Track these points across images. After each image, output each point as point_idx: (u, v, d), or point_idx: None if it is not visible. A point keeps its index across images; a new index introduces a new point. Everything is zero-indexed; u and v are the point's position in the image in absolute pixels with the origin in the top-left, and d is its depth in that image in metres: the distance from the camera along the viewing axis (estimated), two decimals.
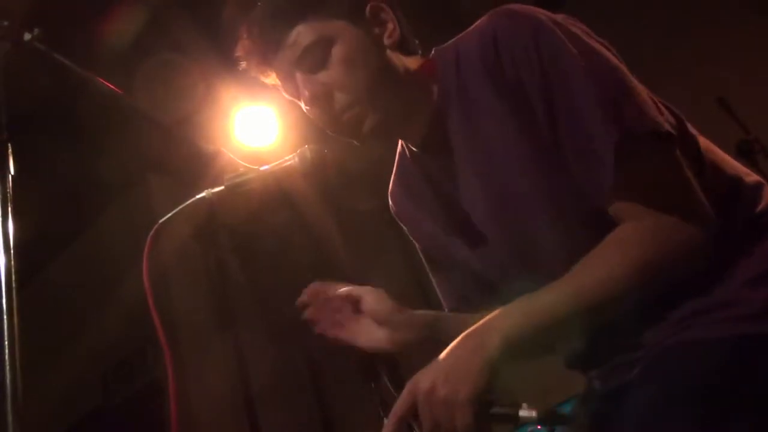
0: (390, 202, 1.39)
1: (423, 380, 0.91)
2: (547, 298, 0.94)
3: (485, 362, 0.89)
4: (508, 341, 0.91)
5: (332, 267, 4.23)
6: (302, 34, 1.11)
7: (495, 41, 1.03)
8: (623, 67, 1.03)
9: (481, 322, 0.95)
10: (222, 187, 1.35)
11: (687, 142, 1.05)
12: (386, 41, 1.14)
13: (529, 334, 0.93)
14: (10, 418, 0.96)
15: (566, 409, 2.02)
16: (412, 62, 1.17)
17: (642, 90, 1.00)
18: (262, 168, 1.36)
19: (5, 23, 1.25)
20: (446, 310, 1.36)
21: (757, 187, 1.05)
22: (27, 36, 1.28)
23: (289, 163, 1.34)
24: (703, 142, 1.10)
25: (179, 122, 3.36)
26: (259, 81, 1.27)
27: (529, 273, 1.10)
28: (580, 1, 3.81)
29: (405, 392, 0.93)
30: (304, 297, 1.30)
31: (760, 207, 1.01)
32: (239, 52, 1.18)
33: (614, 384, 1.04)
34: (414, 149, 1.24)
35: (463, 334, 0.95)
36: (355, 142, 1.16)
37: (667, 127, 0.95)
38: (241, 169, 1.36)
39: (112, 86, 1.42)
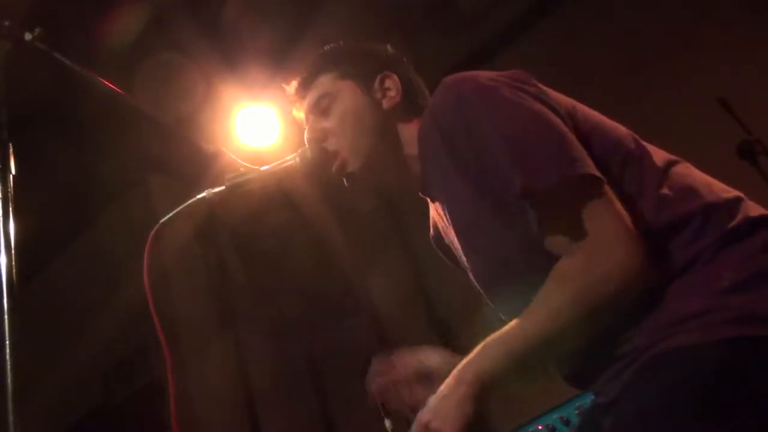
0: (437, 249, 1.53)
1: (423, 416, 1.10)
2: (505, 339, 1.09)
3: (463, 398, 1.07)
4: (480, 379, 1.08)
5: (333, 267, 4.24)
6: (319, 85, 1.39)
7: (434, 116, 1.21)
8: (546, 121, 1.11)
9: (464, 361, 1.11)
10: (223, 188, 1.35)
11: (630, 174, 1.13)
12: (384, 104, 1.37)
13: (497, 371, 1.08)
14: (11, 417, 0.96)
15: (567, 409, 2.02)
16: (408, 126, 1.36)
17: (562, 137, 1.09)
18: (262, 168, 1.37)
19: (6, 23, 1.25)
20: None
21: (735, 203, 1.10)
22: (28, 36, 1.28)
23: (289, 163, 1.35)
24: (680, 168, 1.15)
25: (180, 122, 3.36)
26: (259, 81, 1.30)
27: (492, 299, 1.30)
28: (580, 3, 3.82)
29: (414, 425, 1.11)
30: (373, 384, 1.39)
31: (735, 221, 1.06)
32: (290, 93, 1.45)
33: (613, 394, 1.08)
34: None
35: (451, 374, 1.11)
36: (345, 184, 1.36)
37: (585, 170, 1.05)
38: (242, 169, 1.36)
39: (112, 86, 1.42)
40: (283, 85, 1.44)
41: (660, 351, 1.00)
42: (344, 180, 1.35)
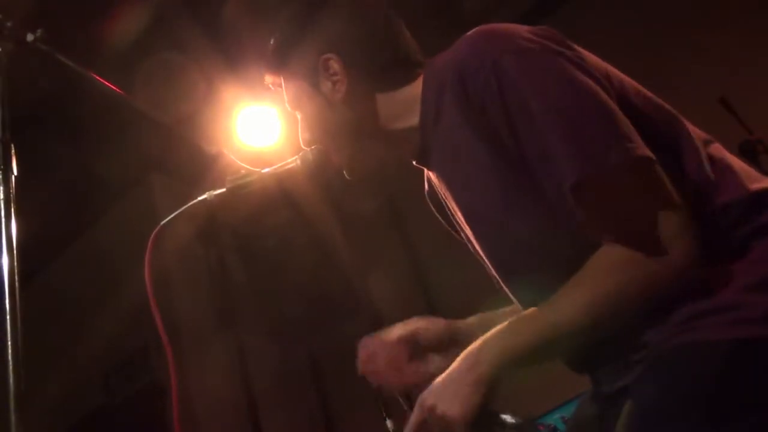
0: (429, 203, 1.42)
1: (427, 398, 1.03)
2: (533, 322, 1.02)
3: (477, 382, 1.00)
4: (499, 362, 1.00)
5: (333, 268, 4.24)
6: (284, 90, 1.29)
7: (462, 77, 1.06)
8: (592, 95, 1.00)
9: (474, 344, 1.04)
10: (224, 189, 1.35)
11: (673, 155, 1.04)
12: (336, 97, 1.22)
13: (517, 355, 1.01)
14: (13, 417, 0.96)
15: (568, 409, 2.03)
16: (393, 95, 1.22)
17: (611, 114, 0.99)
18: (264, 170, 1.37)
19: (8, 24, 1.26)
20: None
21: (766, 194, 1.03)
22: (30, 37, 1.28)
23: (291, 165, 1.35)
24: (714, 150, 1.09)
25: (181, 122, 3.36)
26: (261, 81, 1.29)
27: (506, 280, 1.21)
28: (580, 3, 3.82)
29: (416, 408, 1.04)
30: (361, 359, 1.29)
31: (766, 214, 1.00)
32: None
33: (617, 386, 1.05)
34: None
35: (461, 355, 1.04)
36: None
37: (639, 152, 0.96)
38: (243, 171, 1.36)
39: (114, 87, 1.42)
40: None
41: (671, 346, 0.95)
42: (349, 177, 1.29)
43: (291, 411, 3.99)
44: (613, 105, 1.00)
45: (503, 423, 0.99)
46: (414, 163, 1.28)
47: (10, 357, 1.00)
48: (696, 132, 1.09)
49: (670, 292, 0.96)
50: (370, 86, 1.22)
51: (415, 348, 1.26)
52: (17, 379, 0.99)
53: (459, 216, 1.23)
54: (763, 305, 0.91)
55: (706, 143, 1.09)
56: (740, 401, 0.89)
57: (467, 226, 1.20)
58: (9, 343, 1.01)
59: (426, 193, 1.41)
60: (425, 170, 1.37)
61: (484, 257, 1.21)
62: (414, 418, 1.04)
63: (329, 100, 1.22)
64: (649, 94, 1.12)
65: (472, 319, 1.36)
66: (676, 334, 0.95)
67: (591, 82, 1.02)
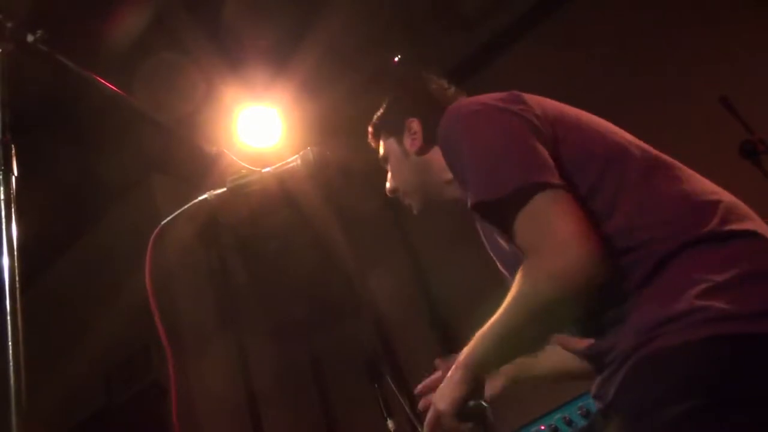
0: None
1: (432, 398, 1.34)
2: (484, 332, 1.26)
3: (458, 381, 1.29)
4: (470, 365, 1.28)
5: (334, 268, 4.24)
6: (382, 146, 1.64)
7: (440, 141, 1.37)
8: (516, 134, 1.22)
9: (463, 350, 1.30)
10: (224, 189, 1.35)
11: (611, 177, 1.19)
12: (412, 149, 1.56)
13: (482, 358, 1.28)
14: (14, 418, 0.96)
15: (569, 410, 2.03)
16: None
17: (526, 150, 1.19)
18: (264, 170, 1.37)
19: (9, 25, 1.26)
20: None
21: (715, 207, 1.14)
22: (30, 38, 1.28)
23: (291, 164, 1.35)
24: (676, 171, 1.21)
25: (182, 122, 3.37)
26: (261, 82, 1.30)
27: None
28: (581, 4, 3.81)
29: (430, 408, 1.34)
30: (426, 386, 1.55)
31: (713, 225, 1.10)
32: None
33: (608, 398, 1.13)
34: None
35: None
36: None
37: (539, 178, 1.14)
38: (244, 171, 1.37)
39: (114, 87, 1.42)
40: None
41: (644, 354, 1.05)
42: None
43: (292, 411, 3.99)
44: (531, 142, 1.21)
45: (484, 407, 1.29)
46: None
47: (11, 358, 1.00)
48: (647, 156, 1.23)
49: (580, 293, 1.09)
50: (433, 141, 1.52)
51: None
52: (18, 381, 0.99)
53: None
54: (715, 307, 1.02)
55: (655, 168, 1.21)
56: (717, 399, 0.97)
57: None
58: (10, 344, 1.01)
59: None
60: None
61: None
62: (429, 414, 1.34)
63: (407, 152, 1.57)
64: (604, 127, 1.29)
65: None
66: (644, 343, 1.05)
67: (519, 124, 1.23)
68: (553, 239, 1.11)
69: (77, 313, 4.08)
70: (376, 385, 2.17)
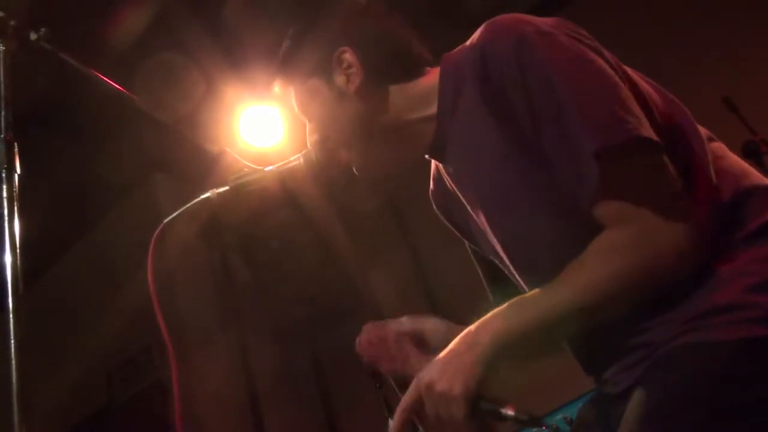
0: (433, 203, 1.41)
1: (425, 376, 1.00)
2: (534, 303, 1.01)
3: (477, 360, 0.98)
4: (498, 341, 0.99)
5: (336, 267, 4.24)
6: (294, 93, 1.28)
7: (483, 57, 1.07)
8: (609, 76, 1.03)
9: (477, 322, 1.03)
10: (227, 188, 1.35)
11: (681, 149, 1.05)
12: (350, 88, 1.21)
13: (517, 335, 1.00)
14: (16, 417, 0.96)
15: (570, 410, 2.02)
16: (405, 87, 1.22)
17: (626, 98, 1.01)
18: (267, 168, 1.37)
19: (12, 23, 1.26)
20: (491, 297, 1.38)
21: None
22: (33, 36, 1.28)
23: (294, 163, 1.35)
24: (716, 148, 1.11)
25: (184, 122, 3.37)
26: (263, 81, 1.29)
27: (523, 272, 1.19)
28: (582, 3, 3.81)
29: (412, 386, 1.02)
30: (361, 342, 1.29)
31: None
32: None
33: (622, 386, 1.05)
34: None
35: (461, 333, 1.02)
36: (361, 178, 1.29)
37: (646, 134, 0.97)
38: (246, 170, 1.36)
39: (117, 86, 1.42)
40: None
41: (677, 345, 0.95)
42: (360, 178, 1.29)
43: (294, 410, 3.99)
44: (627, 90, 1.02)
45: (503, 416, 0.97)
46: (426, 156, 1.28)
47: (13, 357, 1.00)
48: (700, 129, 1.11)
49: (674, 279, 0.96)
50: (384, 78, 1.22)
51: (421, 345, 1.25)
52: (20, 380, 0.99)
53: (469, 209, 1.22)
54: (765, 305, 0.92)
55: (710, 140, 1.11)
56: (745, 401, 0.89)
57: (481, 213, 1.19)
58: (12, 342, 1.01)
59: (430, 192, 1.41)
60: (431, 169, 1.37)
61: (498, 246, 1.20)
62: (409, 396, 1.02)
63: (343, 92, 1.22)
64: (660, 88, 1.14)
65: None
66: (681, 334, 0.96)
67: (606, 66, 1.04)
68: (662, 214, 0.95)
69: (78, 312, 4.08)
70: (377, 385, 2.16)
